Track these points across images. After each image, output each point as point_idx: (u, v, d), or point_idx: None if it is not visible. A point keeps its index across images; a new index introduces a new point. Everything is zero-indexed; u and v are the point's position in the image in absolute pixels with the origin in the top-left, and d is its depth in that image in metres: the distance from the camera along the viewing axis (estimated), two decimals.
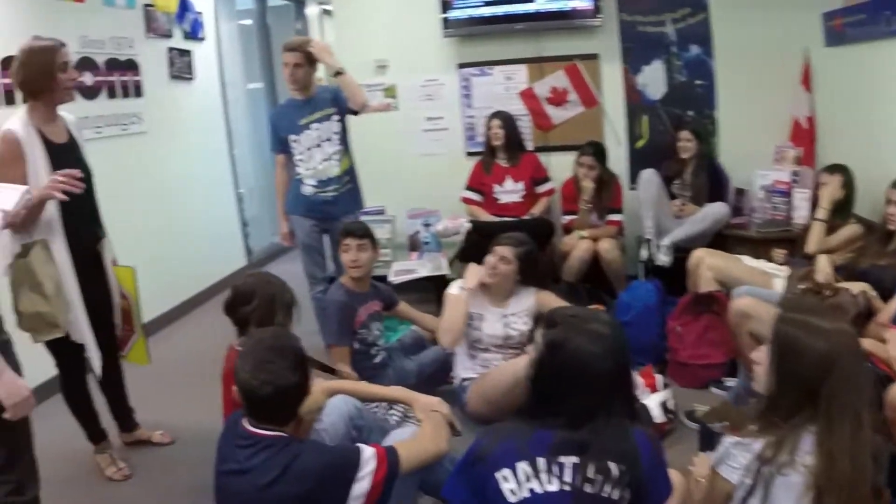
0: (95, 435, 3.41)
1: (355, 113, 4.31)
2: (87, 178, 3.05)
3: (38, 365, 2.35)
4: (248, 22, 8.09)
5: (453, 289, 3.67)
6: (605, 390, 1.78)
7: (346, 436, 2.48)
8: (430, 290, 4.79)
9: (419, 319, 4.03)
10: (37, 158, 2.88)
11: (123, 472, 3.36)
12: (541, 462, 1.73)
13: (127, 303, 3.38)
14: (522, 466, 1.73)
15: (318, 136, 4.25)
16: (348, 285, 3.65)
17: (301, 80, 4.22)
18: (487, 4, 5.32)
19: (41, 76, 2.89)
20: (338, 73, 4.20)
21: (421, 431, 2.34)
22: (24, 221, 2.72)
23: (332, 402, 2.50)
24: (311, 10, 9.11)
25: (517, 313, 3.64)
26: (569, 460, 1.73)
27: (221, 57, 6.85)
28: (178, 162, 5.97)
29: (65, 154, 3.02)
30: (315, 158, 4.26)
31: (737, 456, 1.87)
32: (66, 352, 3.09)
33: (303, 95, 4.28)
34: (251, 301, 2.65)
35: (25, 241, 2.72)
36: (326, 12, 9.68)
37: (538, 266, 3.73)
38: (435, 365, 3.80)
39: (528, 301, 3.67)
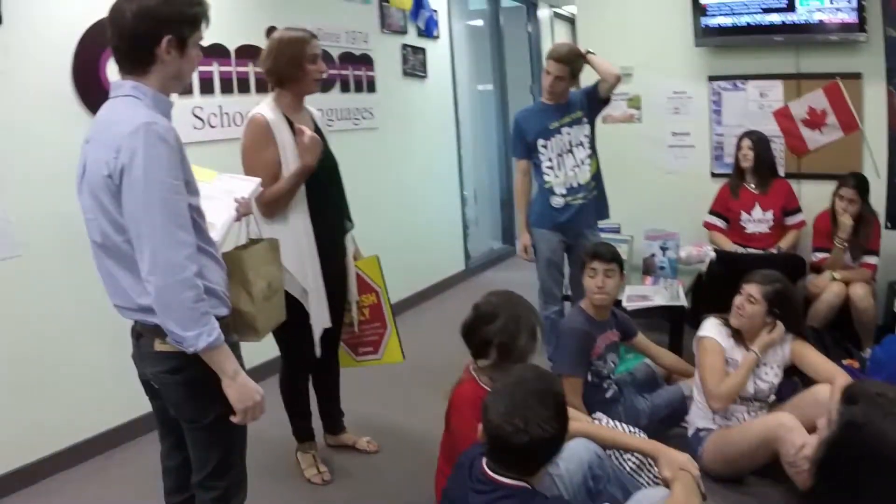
0: (302, 433, 3.37)
1: (606, 102, 4.08)
2: (334, 170, 3.13)
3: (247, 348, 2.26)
4: (480, 22, 8.02)
5: (709, 330, 3.24)
6: None
7: (581, 485, 2.29)
8: (662, 318, 4.40)
9: (656, 354, 3.69)
10: (286, 143, 2.90)
11: (324, 477, 3.28)
12: None
13: (376, 296, 3.33)
14: None
15: (569, 140, 4.06)
16: (589, 312, 3.37)
17: (559, 94, 4.03)
18: (747, 13, 4.76)
19: (290, 65, 2.92)
20: (588, 52, 4.00)
21: (672, 497, 2.15)
22: (278, 203, 2.84)
23: (572, 447, 2.30)
24: (543, 13, 8.91)
25: (768, 363, 3.20)
26: None
27: (454, 56, 6.77)
28: (406, 160, 5.96)
29: None
30: (566, 164, 4.07)
31: None
32: (295, 344, 3.05)
33: (553, 100, 4.08)
34: (494, 321, 2.46)
35: (255, 234, 2.64)
36: (558, 15, 9.48)
37: (792, 309, 3.25)
38: (669, 408, 3.46)
39: (782, 350, 3.22)
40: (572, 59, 3.95)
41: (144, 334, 1.94)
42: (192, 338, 1.77)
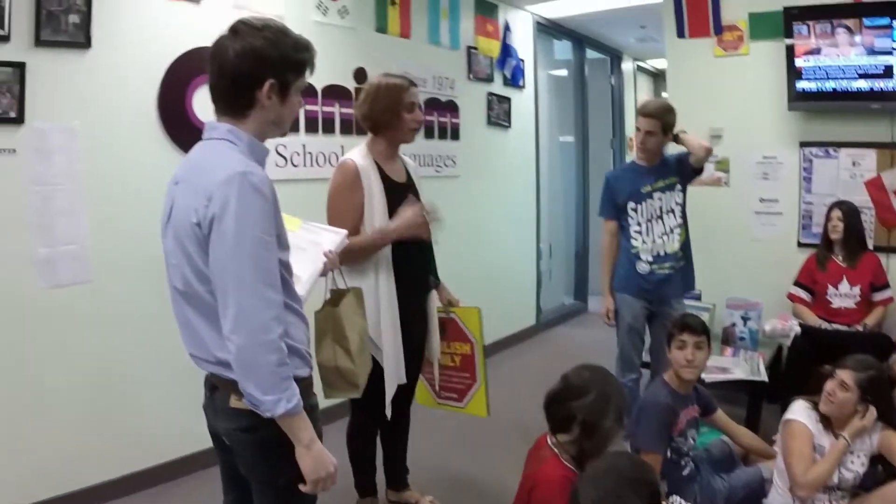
0: (366, 488, 3.25)
1: (699, 172, 3.89)
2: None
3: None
4: (564, 72, 7.90)
5: (798, 413, 3.04)
6: None
7: None
8: (740, 391, 4.14)
9: (735, 432, 3.46)
10: (374, 193, 2.84)
11: None
12: None
13: (471, 347, 3.26)
14: None
15: (660, 206, 3.88)
16: (673, 385, 3.19)
17: (652, 150, 3.86)
18: (843, 77, 4.51)
19: (386, 112, 2.87)
20: (679, 134, 3.84)
21: None
22: (356, 256, 2.74)
23: None
24: (627, 66, 8.79)
25: (855, 451, 2.98)
26: None
27: (538, 106, 6.66)
28: (485, 209, 5.85)
29: (402, 194, 2.94)
30: (654, 231, 3.89)
31: None
32: (367, 397, 2.88)
33: (647, 162, 3.92)
34: (583, 396, 2.35)
35: (338, 286, 2.58)
36: (641, 69, 9.35)
37: (886, 397, 3.03)
38: (747, 489, 3.22)
39: (870, 439, 3.00)
40: (663, 113, 3.80)
41: (220, 387, 1.84)
42: (270, 402, 1.65)
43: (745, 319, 4.66)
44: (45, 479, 3.18)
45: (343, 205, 2.79)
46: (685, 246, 3.96)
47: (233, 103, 1.77)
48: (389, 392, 2.90)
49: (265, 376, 1.64)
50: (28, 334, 3.13)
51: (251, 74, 1.73)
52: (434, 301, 3.18)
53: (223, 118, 1.80)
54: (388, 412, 2.96)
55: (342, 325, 2.16)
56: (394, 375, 2.91)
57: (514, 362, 5.89)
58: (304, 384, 1.83)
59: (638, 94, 9.10)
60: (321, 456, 1.79)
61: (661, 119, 3.78)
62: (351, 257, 2.75)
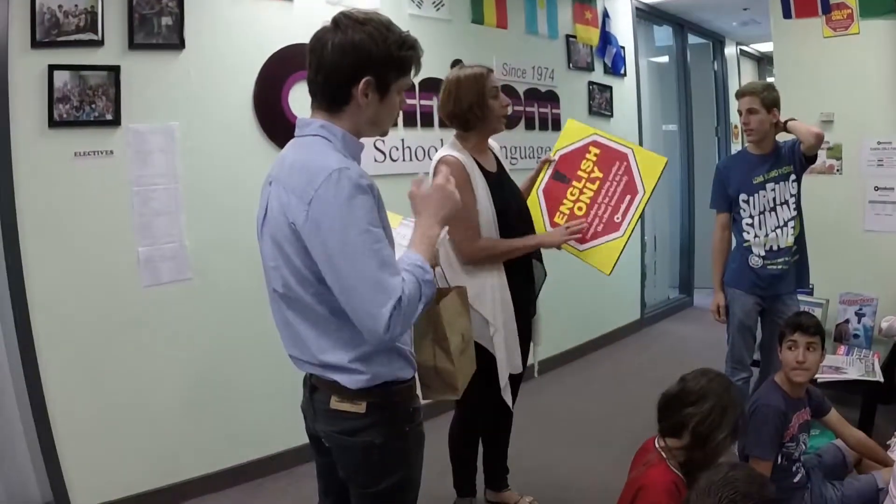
0: (465, 487, 3.22)
1: (812, 160, 3.64)
2: (524, 211, 2.98)
3: None
4: (665, 59, 7.65)
5: None
6: None
7: None
8: (853, 392, 3.90)
9: (849, 435, 3.21)
10: (478, 187, 2.79)
11: None
12: None
13: (633, 196, 2.99)
14: None
15: (773, 197, 3.64)
16: (784, 388, 3.02)
17: (757, 129, 3.61)
18: None
19: (473, 106, 2.78)
20: (788, 122, 3.58)
21: None
22: (500, 259, 2.80)
23: None
24: (730, 51, 8.45)
25: None
26: None
27: (640, 95, 6.44)
28: None
29: (499, 183, 2.90)
30: (767, 225, 3.66)
31: None
32: (475, 391, 2.78)
33: (759, 150, 3.68)
34: (699, 403, 2.28)
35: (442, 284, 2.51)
36: (744, 53, 8.95)
37: None
38: (860, 500, 3.01)
39: None
40: (760, 90, 3.58)
41: (320, 388, 1.79)
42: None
43: (859, 316, 4.43)
44: (145, 472, 3.29)
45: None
46: (800, 239, 3.72)
47: (329, 98, 1.71)
48: (503, 377, 2.86)
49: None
50: (130, 331, 3.22)
51: (348, 70, 1.66)
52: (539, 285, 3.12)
53: (319, 113, 1.74)
54: (508, 400, 2.90)
55: (442, 325, 2.08)
56: (508, 362, 2.86)
57: (618, 358, 5.73)
58: (407, 386, 1.81)
59: (742, 79, 8.71)
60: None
61: (759, 94, 3.54)
62: (491, 257, 2.79)
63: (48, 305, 2.98)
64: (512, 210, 2.86)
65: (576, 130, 3.11)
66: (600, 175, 3.01)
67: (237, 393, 3.55)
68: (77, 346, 3.07)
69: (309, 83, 1.73)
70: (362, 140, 1.78)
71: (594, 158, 3.04)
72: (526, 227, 2.97)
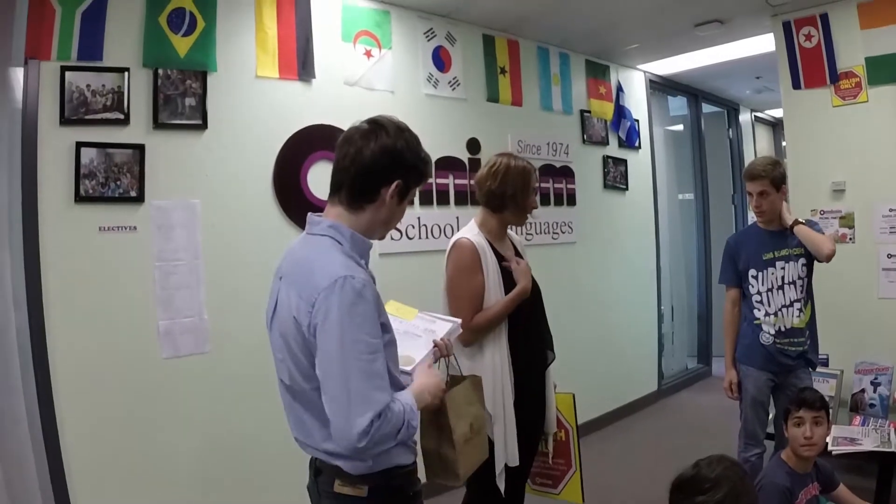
0: None
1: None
2: (537, 297, 2.98)
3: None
4: (679, 127, 7.73)
5: None
6: None
7: None
8: (869, 462, 3.79)
9: None
10: (490, 270, 2.81)
11: None
12: None
13: (565, 433, 3.18)
14: None
15: (781, 276, 3.64)
16: (790, 463, 3.01)
17: (769, 211, 3.64)
18: None
19: (514, 195, 2.86)
20: (793, 225, 3.60)
21: None
22: (488, 328, 2.76)
23: None
24: (745, 118, 8.52)
25: None
26: None
27: (654, 166, 6.51)
28: (603, 274, 5.73)
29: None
30: (775, 302, 3.65)
31: None
32: (483, 478, 2.78)
33: (770, 226, 3.70)
34: (712, 491, 2.20)
35: (455, 371, 2.52)
36: (759, 120, 9.02)
37: None
38: None
39: None
40: (770, 170, 3.57)
41: (324, 471, 1.85)
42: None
43: (874, 385, 4.37)
44: None
45: (466, 287, 2.76)
46: (811, 325, 3.71)
47: (356, 193, 1.80)
48: (499, 465, 2.82)
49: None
50: (149, 401, 3.25)
51: (384, 171, 1.78)
52: (552, 375, 3.08)
53: (335, 208, 1.83)
54: (501, 487, 2.85)
55: (447, 414, 2.12)
56: (504, 452, 2.82)
57: (636, 431, 5.66)
58: (408, 471, 1.86)
59: (757, 145, 8.76)
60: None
61: (770, 176, 3.56)
62: (483, 332, 2.76)
63: (70, 374, 3.03)
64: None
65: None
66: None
67: (249, 467, 3.55)
68: (97, 415, 3.10)
69: (337, 174, 1.82)
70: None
71: None
72: (539, 315, 3.01)
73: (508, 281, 2.83)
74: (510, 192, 2.84)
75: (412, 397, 1.79)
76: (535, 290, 2.97)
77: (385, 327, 1.78)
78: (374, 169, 1.78)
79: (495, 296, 2.79)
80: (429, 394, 1.90)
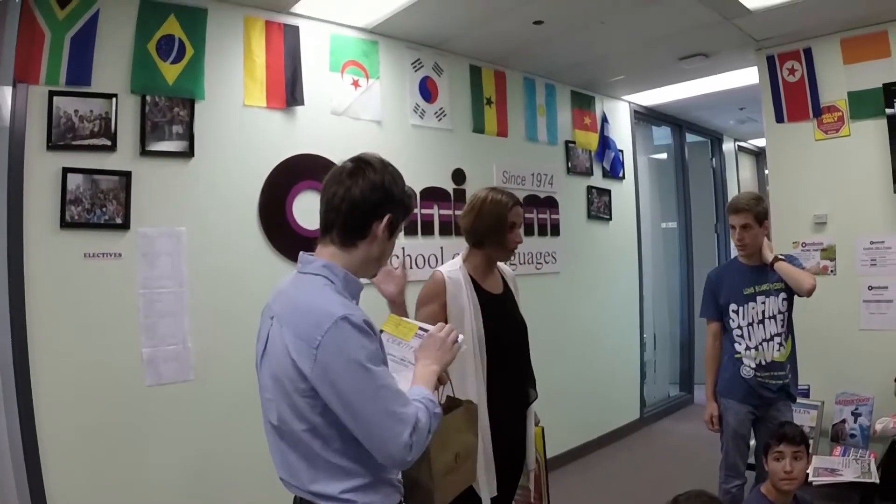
0: None
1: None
2: (521, 334, 2.98)
3: None
4: (663, 156, 7.80)
5: None
6: None
7: None
8: (850, 491, 3.92)
9: None
10: (464, 306, 2.77)
11: None
12: None
13: (538, 467, 3.17)
14: None
15: (762, 310, 3.67)
16: (771, 497, 3.06)
17: (751, 244, 3.67)
18: None
19: (491, 230, 2.83)
20: (773, 263, 3.63)
21: None
22: None
23: None
24: (728, 147, 8.60)
25: None
26: None
27: (638, 196, 6.56)
28: (587, 303, 5.75)
29: (498, 306, 2.90)
30: (755, 336, 3.68)
31: None
32: None
33: (750, 261, 3.73)
34: None
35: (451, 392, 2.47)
36: (742, 149, 9.11)
37: None
38: None
39: None
40: (753, 205, 3.61)
41: None
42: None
43: (855, 416, 4.43)
44: None
45: (420, 316, 2.74)
46: (791, 358, 3.74)
47: (348, 230, 1.81)
48: (485, 500, 2.79)
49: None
50: (131, 428, 3.23)
51: (375, 206, 1.80)
52: (533, 412, 3.06)
53: (327, 248, 1.83)
54: None
55: (430, 442, 2.10)
56: (485, 487, 2.80)
57: (618, 459, 5.66)
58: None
59: (740, 174, 8.85)
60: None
61: (753, 210, 3.60)
62: None
63: (52, 400, 3.01)
64: (507, 328, 2.86)
65: None
66: None
67: (231, 496, 3.52)
68: (79, 442, 3.08)
69: (328, 213, 1.83)
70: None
71: None
72: (521, 353, 2.99)
73: (490, 315, 2.80)
74: (484, 228, 2.83)
75: (423, 387, 1.83)
76: (520, 326, 2.98)
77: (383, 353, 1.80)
78: (366, 205, 1.79)
79: (469, 329, 2.74)
80: (433, 364, 1.93)
